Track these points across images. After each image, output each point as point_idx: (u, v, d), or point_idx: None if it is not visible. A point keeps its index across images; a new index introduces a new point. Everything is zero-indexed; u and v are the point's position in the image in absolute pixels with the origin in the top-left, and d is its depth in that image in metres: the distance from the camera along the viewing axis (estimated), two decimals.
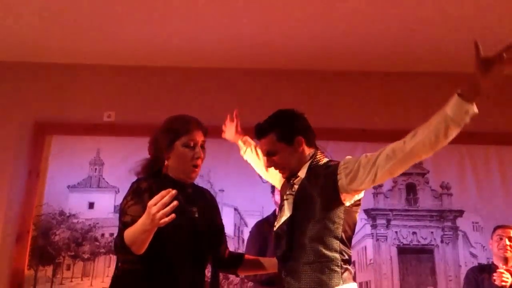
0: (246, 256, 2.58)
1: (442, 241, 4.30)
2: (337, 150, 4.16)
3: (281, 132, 2.30)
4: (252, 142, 2.85)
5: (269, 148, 2.32)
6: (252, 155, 2.81)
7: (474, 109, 1.88)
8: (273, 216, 3.46)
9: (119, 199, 4.15)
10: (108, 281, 4.02)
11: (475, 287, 3.73)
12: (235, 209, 4.29)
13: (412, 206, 4.27)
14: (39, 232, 4.18)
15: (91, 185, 4.35)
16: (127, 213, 2.11)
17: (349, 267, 2.17)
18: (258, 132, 2.37)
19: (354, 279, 2.22)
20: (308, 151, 2.33)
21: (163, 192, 1.88)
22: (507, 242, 3.71)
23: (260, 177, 4.35)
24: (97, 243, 4.21)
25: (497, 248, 3.75)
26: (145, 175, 2.30)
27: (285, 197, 2.31)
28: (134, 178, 2.29)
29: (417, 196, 4.40)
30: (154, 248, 2.03)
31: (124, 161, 4.24)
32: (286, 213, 2.23)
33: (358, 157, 2.15)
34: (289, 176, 2.33)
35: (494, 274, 3.54)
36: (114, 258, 4.13)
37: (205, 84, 4.60)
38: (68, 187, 4.32)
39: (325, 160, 2.32)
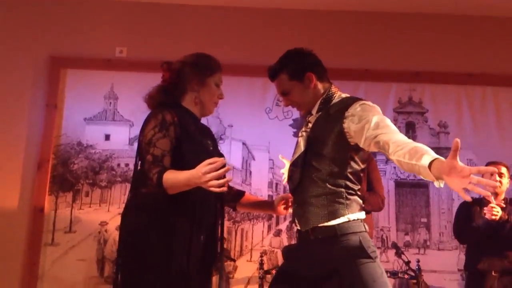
0: (247, 194, 2.69)
1: None
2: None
3: (291, 71, 2.37)
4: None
5: (283, 88, 2.41)
6: None
7: (439, 184, 1.87)
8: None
9: (134, 132, 4.45)
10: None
11: (466, 219, 3.89)
12: (243, 143, 4.50)
13: None
14: (58, 161, 4.41)
15: (106, 118, 4.55)
16: (156, 146, 2.20)
17: (356, 198, 2.28)
18: (270, 74, 2.45)
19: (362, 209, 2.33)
20: (322, 86, 2.39)
21: (217, 163, 2.01)
22: (497, 178, 3.84)
23: (267, 112, 4.60)
24: (114, 172, 4.45)
25: (487, 184, 3.93)
26: (159, 102, 2.37)
27: (300, 134, 2.41)
28: (147, 113, 2.36)
29: (415, 134, 4.60)
30: None
31: (137, 95, 4.38)
32: (301, 148, 2.34)
33: (366, 117, 2.17)
34: (306, 113, 2.43)
35: (485, 208, 3.72)
36: (129, 186, 4.40)
37: (215, 22, 4.69)
38: (85, 119, 4.51)
39: (338, 95, 2.38)
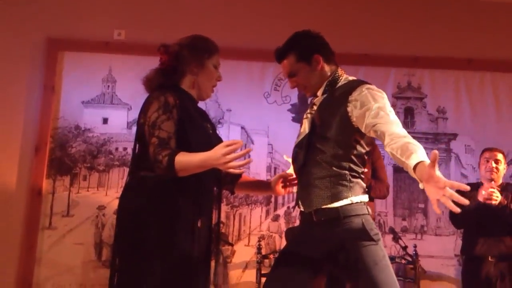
0: (244, 175, 2.63)
1: None
2: None
3: (298, 52, 2.36)
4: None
5: (290, 69, 2.40)
6: None
7: (422, 185, 1.89)
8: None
9: (132, 115, 4.43)
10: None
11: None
12: (242, 128, 4.50)
13: (409, 129, 4.46)
14: (56, 144, 4.40)
15: (104, 102, 4.53)
16: (161, 128, 2.17)
17: (359, 180, 2.29)
18: (277, 55, 2.43)
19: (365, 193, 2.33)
20: (328, 68, 2.38)
21: (237, 145, 2.04)
22: (493, 165, 3.88)
23: (265, 97, 4.59)
24: (111, 156, 4.44)
25: (484, 170, 3.93)
26: (157, 84, 2.34)
27: (305, 116, 2.41)
28: (145, 97, 2.34)
29: (414, 119, 4.61)
30: None
31: (136, 79, 4.36)
32: (306, 130, 2.35)
33: (368, 103, 2.18)
34: (312, 95, 2.43)
35: (485, 191, 3.70)
36: (127, 170, 4.40)
37: (214, 5, 4.66)
38: (83, 102, 4.50)
39: (344, 78, 2.38)
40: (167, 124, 2.19)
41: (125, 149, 4.44)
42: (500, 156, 3.93)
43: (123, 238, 2.23)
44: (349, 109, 2.22)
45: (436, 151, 1.82)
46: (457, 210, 1.82)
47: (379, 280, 2.15)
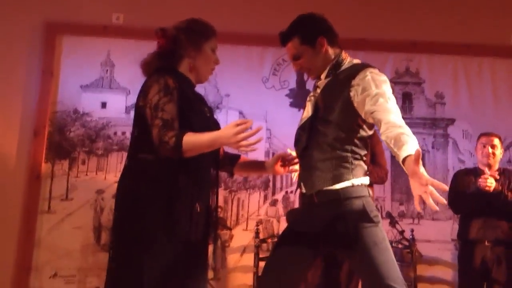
0: (242, 156, 2.68)
1: (433, 147, 4.56)
2: None
3: (303, 35, 2.38)
4: None
5: (294, 52, 2.41)
6: None
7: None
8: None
9: (130, 100, 4.43)
10: None
11: (461, 189, 3.94)
12: (240, 113, 4.49)
13: (407, 114, 4.47)
14: (55, 128, 4.40)
15: (103, 86, 4.52)
16: (164, 110, 2.18)
17: (361, 163, 2.32)
18: (282, 38, 2.44)
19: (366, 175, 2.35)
20: (332, 51, 2.40)
21: (248, 123, 2.09)
22: (490, 150, 3.91)
23: (264, 82, 4.60)
24: (110, 140, 4.45)
25: (481, 155, 3.96)
26: (156, 68, 2.34)
27: (308, 99, 2.45)
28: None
29: (412, 105, 4.61)
30: None
31: (134, 63, 4.35)
32: (309, 113, 2.38)
33: (369, 89, 2.21)
34: (316, 78, 2.45)
35: (479, 179, 3.78)
36: (126, 155, 4.41)
37: None
38: (81, 86, 4.49)
39: (348, 61, 2.40)
40: (169, 106, 2.20)
41: (123, 133, 4.45)
42: (496, 141, 3.95)
43: (123, 221, 2.24)
44: (351, 93, 2.25)
45: (419, 150, 1.89)
46: (435, 208, 1.87)
47: (378, 261, 2.18)
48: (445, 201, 1.87)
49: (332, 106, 2.28)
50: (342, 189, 2.24)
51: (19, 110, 4.39)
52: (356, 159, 2.30)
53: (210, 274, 3.76)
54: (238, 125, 2.09)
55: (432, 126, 4.59)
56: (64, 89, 4.46)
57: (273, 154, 4.46)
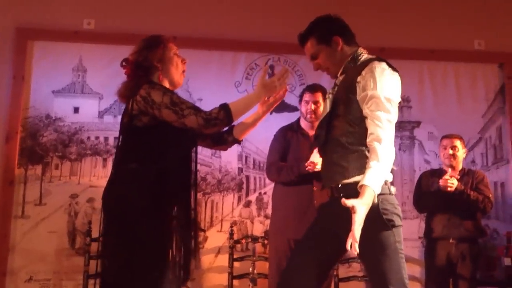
0: (234, 125, 2.67)
1: (400, 149, 4.70)
2: None
3: (319, 35, 2.45)
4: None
5: (312, 51, 2.48)
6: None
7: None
8: (297, 124, 3.73)
9: (103, 105, 4.45)
10: (95, 180, 4.37)
11: (426, 189, 4.08)
12: None
13: None
14: (27, 133, 4.39)
15: (75, 91, 4.53)
16: (184, 102, 2.34)
17: None
18: (300, 40, 2.52)
19: None
20: (349, 50, 2.45)
21: (280, 72, 2.46)
22: (450, 152, 4.02)
23: (236, 86, 4.67)
24: (83, 145, 4.46)
25: (443, 157, 4.08)
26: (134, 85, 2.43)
27: (327, 96, 2.49)
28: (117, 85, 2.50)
29: None
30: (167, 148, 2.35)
31: (106, 68, 4.44)
32: (327, 110, 2.42)
33: (367, 89, 2.25)
34: (334, 77, 2.50)
35: (440, 180, 3.89)
36: (100, 159, 4.47)
37: None
38: (53, 92, 4.48)
39: (364, 57, 2.43)
40: (183, 99, 2.36)
41: (97, 138, 4.47)
42: (457, 143, 4.06)
43: (120, 231, 2.29)
44: (358, 90, 2.30)
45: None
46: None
47: (384, 267, 2.19)
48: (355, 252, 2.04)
49: (344, 102, 2.33)
50: (356, 182, 2.19)
51: None
52: (368, 151, 2.26)
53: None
54: (277, 80, 2.42)
55: (399, 128, 4.70)
56: (36, 94, 4.46)
57: (245, 157, 4.55)
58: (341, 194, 2.22)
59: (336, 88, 2.45)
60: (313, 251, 2.36)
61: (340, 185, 2.29)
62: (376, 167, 2.12)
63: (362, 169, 2.21)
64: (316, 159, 3.34)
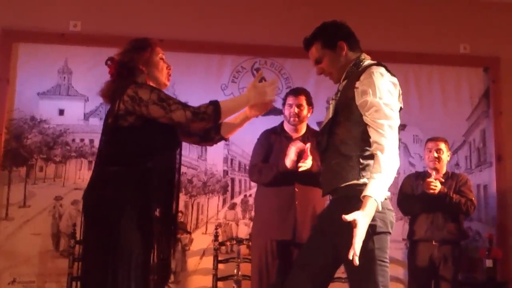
0: (222, 123, 2.62)
1: None
2: None
3: (324, 40, 2.46)
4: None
5: (316, 56, 2.49)
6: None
7: None
8: (280, 127, 3.74)
9: (89, 107, 4.44)
10: (79, 182, 4.36)
11: (410, 191, 4.10)
12: None
13: None
14: (11, 135, 4.37)
15: (60, 93, 4.52)
16: (171, 98, 2.34)
17: (370, 162, 2.25)
18: (305, 44, 2.53)
19: None
20: (353, 55, 2.46)
21: (271, 80, 2.51)
22: (435, 155, 4.04)
23: (222, 89, 4.68)
24: (68, 147, 4.44)
25: (428, 160, 4.11)
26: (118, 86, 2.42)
27: (330, 102, 2.50)
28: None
29: None
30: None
31: (92, 70, 4.43)
32: (329, 115, 2.43)
33: (366, 96, 2.26)
34: (337, 82, 2.51)
35: (424, 182, 3.91)
36: (85, 161, 4.45)
37: None
38: (38, 94, 4.47)
39: (366, 62, 2.42)
40: (170, 96, 2.35)
41: (82, 140, 4.46)
42: (442, 146, 4.08)
43: (101, 233, 2.28)
44: (356, 96, 2.31)
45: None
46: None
47: (359, 274, 2.19)
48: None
49: (345, 107, 2.35)
50: (346, 186, 2.24)
51: None
52: (366, 158, 2.28)
53: (171, 277, 3.81)
54: (270, 85, 2.45)
55: None
56: (21, 96, 4.44)
57: (231, 160, 4.56)
58: (334, 197, 2.31)
59: (338, 94, 2.46)
60: (309, 267, 2.37)
61: (333, 189, 2.33)
62: (379, 178, 2.13)
63: (354, 174, 2.25)
64: (293, 154, 3.36)
